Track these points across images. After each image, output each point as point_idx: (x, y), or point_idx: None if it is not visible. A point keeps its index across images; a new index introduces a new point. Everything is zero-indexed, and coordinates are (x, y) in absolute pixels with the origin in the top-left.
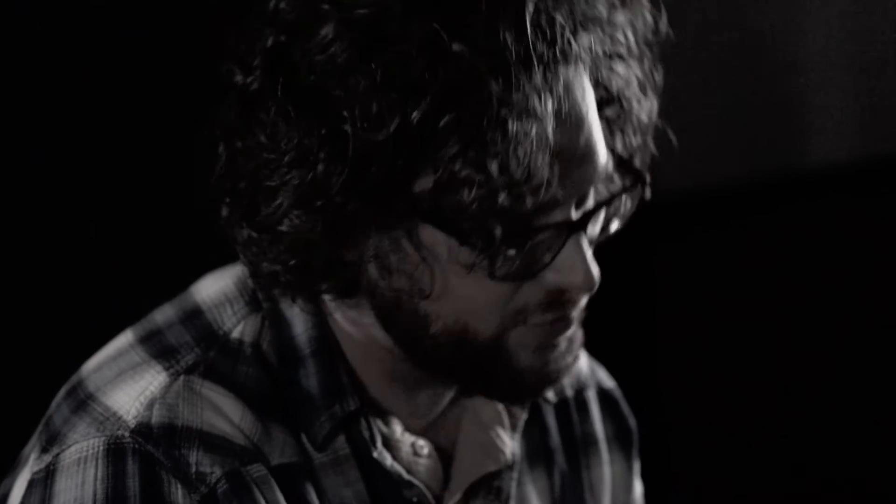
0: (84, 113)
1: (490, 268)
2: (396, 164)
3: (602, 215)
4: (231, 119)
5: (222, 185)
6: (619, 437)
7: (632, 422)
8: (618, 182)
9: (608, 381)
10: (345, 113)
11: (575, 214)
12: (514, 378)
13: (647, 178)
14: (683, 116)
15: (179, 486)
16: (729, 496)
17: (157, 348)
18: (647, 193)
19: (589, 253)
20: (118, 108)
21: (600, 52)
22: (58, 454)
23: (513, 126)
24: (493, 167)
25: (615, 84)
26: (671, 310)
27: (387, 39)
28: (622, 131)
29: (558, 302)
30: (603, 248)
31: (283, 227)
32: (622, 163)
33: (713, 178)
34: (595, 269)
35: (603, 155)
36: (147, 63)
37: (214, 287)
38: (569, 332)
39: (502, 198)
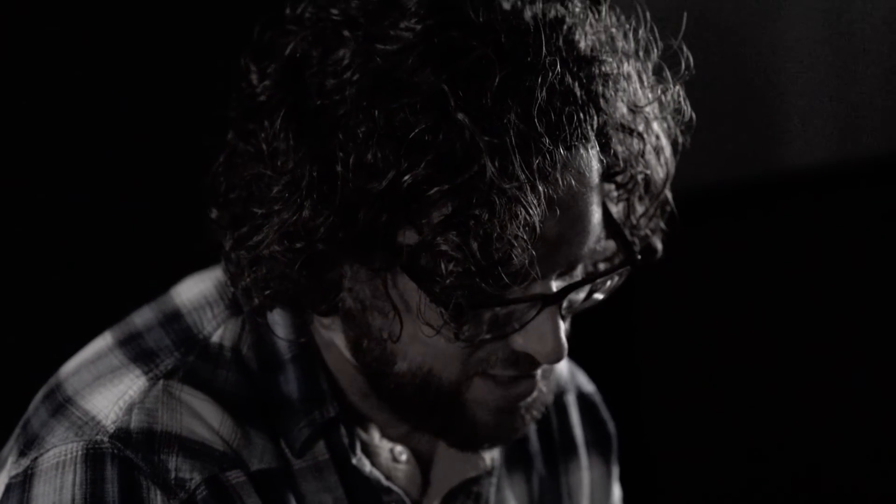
0: (67, 113)
1: (455, 332)
2: (381, 217)
3: (586, 288)
4: (237, 117)
5: (216, 185)
6: (598, 442)
7: (611, 426)
8: (611, 251)
9: (588, 386)
10: (340, 154)
11: (555, 285)
12: (469, 430)
13: (640, 255)
14: None
15: (159, 491)
16: (711, 500)
17: (137, 352)
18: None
19: (561, 325)
20: (105, 108)
21: (612, 129)
22: (36, 458)
23: (501, 210)
24: (474, 247)
25: (625, 154)
26: (651, 313)
27: (396, 86)
28: (628, 200)
29: (523, 362)
30: None
31: (264, 253)
32: (618, 235)
33: (691, 179)
34: (564, 342)
35: (594, 235)
36: (137, 64)
37: (195, 290)
38: (531, 397)
39: (477, 277)
